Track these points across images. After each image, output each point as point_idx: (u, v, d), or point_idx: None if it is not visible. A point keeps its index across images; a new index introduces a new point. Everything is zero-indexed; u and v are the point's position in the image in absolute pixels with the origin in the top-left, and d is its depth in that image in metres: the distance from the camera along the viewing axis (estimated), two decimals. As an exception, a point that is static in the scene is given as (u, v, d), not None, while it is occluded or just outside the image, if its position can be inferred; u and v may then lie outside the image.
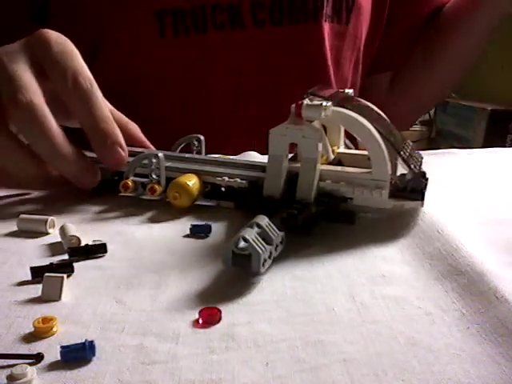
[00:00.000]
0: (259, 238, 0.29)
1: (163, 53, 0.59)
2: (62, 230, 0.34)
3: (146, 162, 0.40)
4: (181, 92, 0.62)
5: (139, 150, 0.44)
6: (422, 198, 0.35)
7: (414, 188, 0.35)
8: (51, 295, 0.27)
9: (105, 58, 0.60)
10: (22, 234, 0.35)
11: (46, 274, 0.28)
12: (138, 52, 0.60)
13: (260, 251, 0.28)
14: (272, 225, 0.30)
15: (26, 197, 0.43)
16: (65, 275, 0.28)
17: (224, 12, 0.59)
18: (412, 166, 0.35)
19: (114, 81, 0.56)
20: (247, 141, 0.52)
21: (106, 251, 0.32)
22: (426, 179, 0.36)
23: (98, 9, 0.58)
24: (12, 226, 0.36)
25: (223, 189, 0.40)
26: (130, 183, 0.40)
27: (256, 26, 0.60)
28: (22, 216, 0.36)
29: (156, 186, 0.39)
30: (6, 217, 0.38)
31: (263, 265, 0.29)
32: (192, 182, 0.39)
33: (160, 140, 0.46)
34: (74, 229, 0.34)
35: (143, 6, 0.57)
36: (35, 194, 0.43)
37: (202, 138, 0.46)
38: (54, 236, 0.35)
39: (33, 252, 0.33)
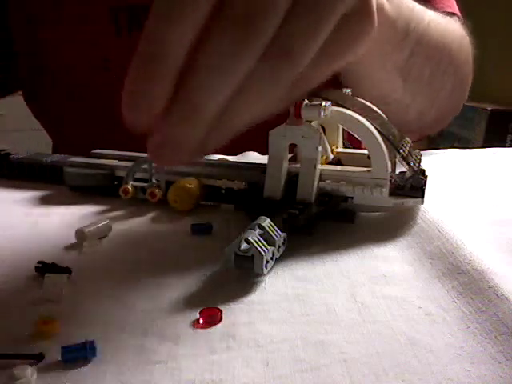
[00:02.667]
0: (261, 240, 0.29)
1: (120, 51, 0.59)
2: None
3: (145, 166, 0.40)
4: None
5: (138, 154, 0.44)
6: (422, 196, 0.35)
7: (413, 185, 0.35)
8: (52, 295, 0.27)
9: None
10: (22, 234, 0.35)
11: (47, 275, 0.28)
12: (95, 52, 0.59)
13: (262, 253, 0.28)
14: (274, 226, 0.30)
15: (24, 196, 0.43)
16: (65, 275, 0.28)
17: None
18: (411, 164, 0.35)
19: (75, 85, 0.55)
20: (244, 140, 0.52)
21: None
22: (426, 176, 0.36)
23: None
24: (11, 227, 0.36)
25: (223, 191, 0.40)
26: (129, 188, 0.40)
27: None
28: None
29: (156, 191, 0.39)
30: (5, 217, 0.38)
31: (266, 266, 0.29)
32: (192, 185, 0.39)
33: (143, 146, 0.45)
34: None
35: (99, 2, 0.56)
36: (32, 193, 0.43)
37: None
38: (51, 236, 0.35)
39: (33, 252, 0.33)
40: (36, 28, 0.61)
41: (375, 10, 0.29)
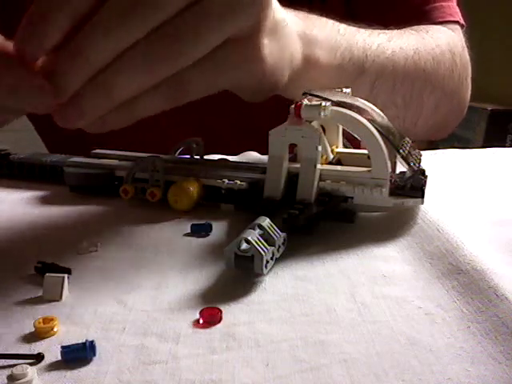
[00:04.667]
0: (261, 240, 0.29)
1: None
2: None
3: (145, 166, 0.40)
4: None
5: (138, 154, 0.44)
6: (422, 196, 0.35)
7: (413, 185, 0.35)
8: (52, 295, 0.27)
9: None
10: (22, 234, 0.35)
11: (47, 274, 0.28)
12: None
13: (262, 253, 0.28)
14: (274, 226, 0.30)
15: (24, 196, 0.43)
16: (65, 275, 0.28)
17: None
18: (411, 164, 0.35)
19: None
20: (244, 140, 0.52)
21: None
22: (426, 176, 0.36)
23: None
24: (11, 227, 0.36)
25: (223, 191, 0.40)
26: (129, 188, 0.40)
27: None
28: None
29: (156, 191, 0.39)
30: (5, 217, 0.38)
31: (266, 266, 0.29)
32: (192, 185, 0.39)
33: (153, 146, 0.45)
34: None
35: None
36: (32, 193, 0.43)
37: (200, 141, 0.46)
38: (51, 236, 0.35)
39: (33, 252, 0.33)
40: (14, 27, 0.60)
41: (263, 52, 0.34)
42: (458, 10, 0.68)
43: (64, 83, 0.28)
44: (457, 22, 0.67)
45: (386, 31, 0.55)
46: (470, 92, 0.66)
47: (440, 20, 0.65)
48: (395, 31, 0.56)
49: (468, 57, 0.65)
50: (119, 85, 0.29)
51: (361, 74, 0.49)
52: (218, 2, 0.30)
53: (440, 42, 0.59)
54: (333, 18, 0.51)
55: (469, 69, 0.65)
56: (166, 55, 0.29)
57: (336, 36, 0.48)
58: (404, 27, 0.60)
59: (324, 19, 0.47)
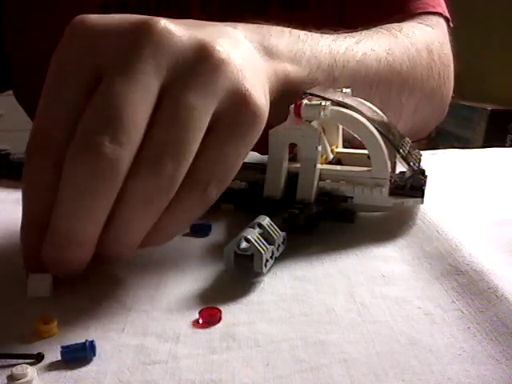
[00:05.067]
0: (261, 239, 0.29)
1: None
2: None
3: None
4: None
5: None
6: (422, 195, 0.35)
7: (413, 185, 0.35)
8: (39, 292, 0.27)
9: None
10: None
11: (31, 274, 0.28)
12: None
13: (262, 251, 0.28)
14: (273, 225, 0.30)
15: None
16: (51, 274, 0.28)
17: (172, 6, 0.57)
18: (411, 164, 0.35)
19: None
20: None
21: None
22: (426, 176, 0.36)
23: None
24: (11, 227, 0.36)
25: None
26: None
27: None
28: None
29: None
30: (4, 217, 0.38)
31: (265, 265, 0.29)
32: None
33: None
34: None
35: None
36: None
37: None
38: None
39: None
40: (24, 29, 0.60)
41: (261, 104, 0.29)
42: (442, 2, 0.64)
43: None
44: (440, 14, 0.62)
45: (354, 33, 0.50)
46: (452, 89, 0.62)
47: (420, 11, 0.61)
48: (364, 32, 0.51)
49: (449, 51, 0.61)
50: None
51: (332, 82, 0.44)
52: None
53: (415, 39, 0.55)
54: (327, 26, 0.48)
55: (451, 65, 0.61)
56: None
57: (297, 43, 0.42)
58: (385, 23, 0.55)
59: (279, 27, 0.42)
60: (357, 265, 0.31)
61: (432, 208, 0.36)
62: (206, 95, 0.27)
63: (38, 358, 0.23)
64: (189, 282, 0.29)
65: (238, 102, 0.28)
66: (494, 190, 0.43)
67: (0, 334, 0.25)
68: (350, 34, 0.50)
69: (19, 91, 0.69)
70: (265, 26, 0.40)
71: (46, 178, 0.26)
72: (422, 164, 0.37)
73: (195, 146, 0.27)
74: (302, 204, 0.34)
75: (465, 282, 0.28)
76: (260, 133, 0.30)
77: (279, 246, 0.31)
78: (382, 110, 0.38)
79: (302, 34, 0.44)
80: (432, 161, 0.49)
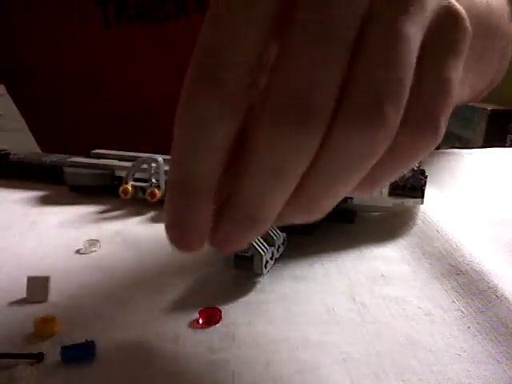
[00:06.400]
0: (261, 240, 0.29)
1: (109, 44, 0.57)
2: None
3: (145, 166, 0.40)
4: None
5: (138, 154, 0.44)
6: (422, 196, 0.35)
7: (413, 185, 0.35)
8: (37, 296, 0.27)
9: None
10: (22, 234, 0.35)
11: (29, 276, 0.28)
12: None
13: (262, 253, 0.28)
14: (273, 226, 0.30)
15: (24, 196, 0.42)
16: (49, 276, 0.28)
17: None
18: (411, 164, 0.35)
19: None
20: None
21: None
22: (426, 176, 0.36)
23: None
24: (10, 228, 0.36)
25: None
26: (129, 188, 0.40)
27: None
28: None
29: (156, 191, 0.39)
30: (4, 217, 0.38)
31: (265, 266, 0.29)
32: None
33: (153, 146, 0.45)
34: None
35: None
36: (32, 193, 0.43)
37: None
38: (51, 236, 0.35)
39: (32, 251, 0.33)
40: (17, 26, 0.60)
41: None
42: None
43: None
44: None
45: None
46: None
47: None
48: None
49: None
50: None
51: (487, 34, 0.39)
52: None
53: None
54: None
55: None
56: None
57: None
58: None
59: None
60: (357, 265, 0.31)
61: (432, 208, 0.36)
62: (420, 19, 0.21)
63: (38, 357, 0.23)
64: (189, 281, 0.29)
65: (448, 17, 0.22)
66: (494, 190, 0.43)
67: (0, 334, 0.25)
68: None
69: (15, 91, 0.69)
70: None
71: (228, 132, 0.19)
72: (422, 164, 0.37)
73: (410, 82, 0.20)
74: (301, 204, 0.34)
75: (465, 281, 0.28)
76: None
77: (279, 246, 0.31)
78: (480, 54, 0.34)
79: None
80: (432, 161, 0.49)
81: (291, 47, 0.18)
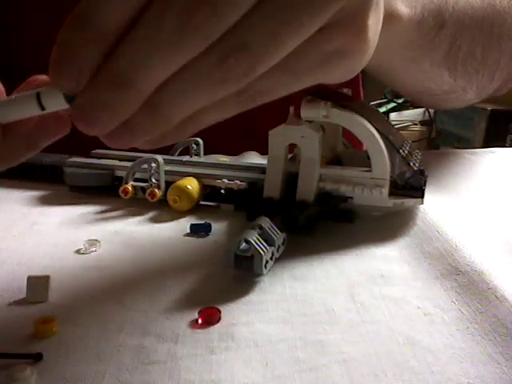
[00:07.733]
0: (261, 240, 0.29)
1: None
2: None
3: (145, 166, 0.40)
4: None
5: (138, 154, 0.44)
6: (422, 196, 0.35)
7: (413, 185, 0.35)
8: (37, 297, 0.27)
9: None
10: (22, 234, 0.35)
11: (29, 276, 0.28)
12: None
13: (262, 253, 0.28)
14: (273, 226, 0.30)
15: (24, 196, 0.43)
16: (49, 275, 0.28)
17: None
18: (411, 164, 0.35)
19: None
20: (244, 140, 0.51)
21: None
22: (426, 176, 0.36)
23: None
24: (11, 227, 0.36)
25: (223, 191, 0.40)
26: (129, 188, 0.40)
27: None
28: None
29: (156, 191, 0.39)
30: (4, 217, 0.38)
31: (265, 266, 0.29)
32: (192, 185, 0.39)
33: None
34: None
35: None
36: (32, 193, 0.43)
37: (200, 141, 0.46)
38: (51, 236, 0.35)
39: (32, 251, 0.33)
40: (17, 26, 0.60)
41: (368, 27, 0.24)
42: None
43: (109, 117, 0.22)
44: None
45: None
46: None
47: None
48: None
49: None
50: (178, 108, 0.22)
51: (440, 29, 0.40)
52: None
53: None
54: None
55: None
56: (239, 69, 0.21)
57: None
58: None
59: None
60: (356, 265, 0.31)
61: (432, 208, 0.36)
62: None
63: (37, 357, 0.23)
64: (188, 281, 0.29)
65: None
66: (494, 190, 0.43)
67: (0, 334, 0.25)
68: None
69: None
70: None
71: None
72: (422, 164, 0.37)
73: None
74: (301, 204, 0.34)
75: (465, 282, 0.28)
76: None
77: (279, 246, 0.31)
78: (483, 56, 0.35)
79: None
80: (432, 161, 0.49)
81: None
